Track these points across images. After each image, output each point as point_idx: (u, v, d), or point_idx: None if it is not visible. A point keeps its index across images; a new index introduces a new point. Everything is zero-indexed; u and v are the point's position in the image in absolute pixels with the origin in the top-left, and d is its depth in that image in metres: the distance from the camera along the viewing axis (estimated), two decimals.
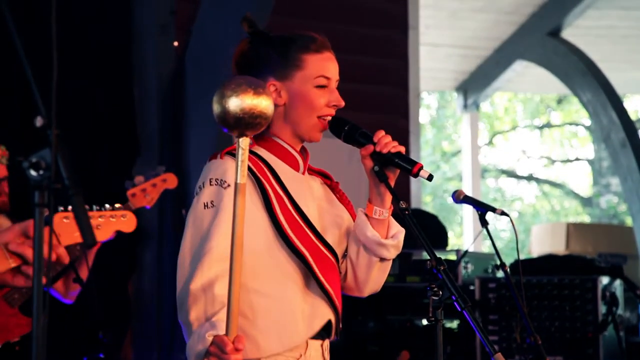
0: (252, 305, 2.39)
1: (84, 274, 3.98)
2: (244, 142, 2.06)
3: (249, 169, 2.40)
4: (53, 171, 1.69)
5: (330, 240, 2.48)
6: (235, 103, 2.03)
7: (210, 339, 2.18)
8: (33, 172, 1.70)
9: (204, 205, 2.36)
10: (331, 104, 2.47)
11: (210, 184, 2.38)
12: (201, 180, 2.41)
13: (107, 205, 2.31)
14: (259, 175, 2.41)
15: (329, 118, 2.47)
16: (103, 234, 2.31)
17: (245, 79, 2.08)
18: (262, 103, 2.05)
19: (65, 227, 2.21)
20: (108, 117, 5.67)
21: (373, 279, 2.52)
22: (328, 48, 2.50)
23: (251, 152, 2.46)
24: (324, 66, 2.47)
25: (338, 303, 2.47)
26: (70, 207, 2.18)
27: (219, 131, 5.66)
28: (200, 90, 5.57)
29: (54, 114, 1.71)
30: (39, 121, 1.72)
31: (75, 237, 2.22)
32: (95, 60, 5.63)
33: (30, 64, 1.77)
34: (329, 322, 2.46)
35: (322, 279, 2.42)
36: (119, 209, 2.33)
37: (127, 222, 2.36)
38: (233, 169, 2.39)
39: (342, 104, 2.48)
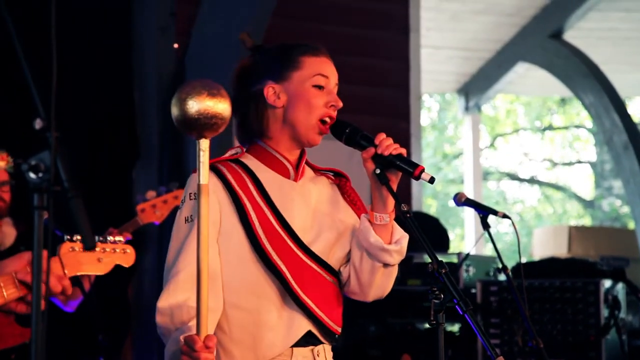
0: (228, 317, 2.41)
1: (85, 285, 3.99)
2: (204, 144, 2.09)
3: (225, 181, 2.43)
4: (52, 174, 1.69)
5: (319, 247, 2.47)
6: (190, 106, 2.06)
7: (183, 340, 2.20)
8: (32, 175, 1.69)
9: (185, 220, 2.41)
10: (329, 104, 2.47)
11: (190, 199, 2.42)
12: (184, 194, 2.46)
13: (109, 238, 2.35)
14: (235, 187, 2.43)
15: (328, 120, 2.47)
16: (104, 268, 2.37)
17: (200, 82, 2.10)
18: (217, 105, 2.07)
19: (71, 258, 2.25)
20: (108, 120, 5.67)
21: (377, 284, 2.51)
22: (326, 54, 2.53)
23: (237, 161, 2.49)
24: (321, 66, 2.49)
25: (322, 313, 2.45)
26: (76, 237, 2.22)
27: (219, 137, 5.65)
28: None
29: (54, 116, 1.71)
30: (38, 123, 1.72)
31: (81, 268, 2.27)
32: (95, 62, 5.63)
33: (29, 66, 1.77)
34: (310, 332, 2.45)
35: (299, 292, 2.41)
36: (120, 242, 2.39)
37: (127, 257, 2.42)
38: (211, 183, 2.39)
39: (340, 104, 2.49)
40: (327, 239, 2.49)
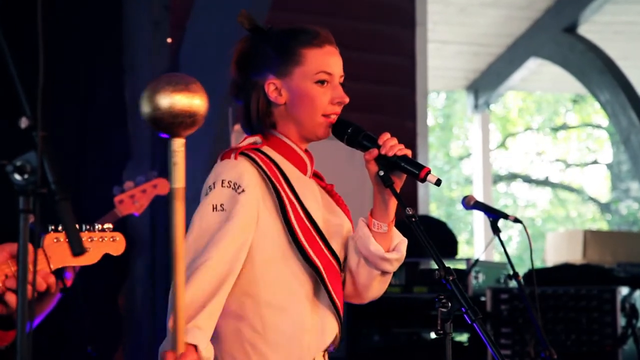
0: (263, 318, 2.39)
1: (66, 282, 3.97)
2: (176, 144, 2.04)
3: (262, 170, 2.39)
4: (39, 175, 1.69)
5: (334, 247, 2.48)
6: (156, 103, 2.00)
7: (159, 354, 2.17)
8: (17, 176, 1.69)
9: (213, 207, 2.34)
10: (335, 100, 2.45)
11: (223, 186, 2.35)
12: (212, 179, 2.38)
13: (97, 226, 2.30)
14: (273, 178, 2.40)
15: (334, 117, 2.46)
16: (91, 258, 2.29)
17: (167, 77, 2.02)
18: (184, 100, 1.99)
19: (56, 249, 2.21)
20: (98, 118, 5.67)
21: (373, 288, 2.53)
22: (331, 42, 2.48)
23: (260, 151, 2.45)
24: (325, 61, 2.45)
25: (341, 315, 2.48)
26: (61, 227, 2.18)
27: (216, 132, 5.66)
28: None
29: (40, 114, 1.71)
30: (23, 122, 1.72)
31: (67, 260, 2.22)
32: (85, 57, 5.64)
33: (15, 61, 1.77)
34: (336, 336, 2.47)
35: (332, 291, 2.42)
36: (108, 229, 2.32)
37: (116, 245, 2.33)
38: (249, 172, 2.37)
39: (346, 100, 2.47)
40: (336, 241, 2.50)
